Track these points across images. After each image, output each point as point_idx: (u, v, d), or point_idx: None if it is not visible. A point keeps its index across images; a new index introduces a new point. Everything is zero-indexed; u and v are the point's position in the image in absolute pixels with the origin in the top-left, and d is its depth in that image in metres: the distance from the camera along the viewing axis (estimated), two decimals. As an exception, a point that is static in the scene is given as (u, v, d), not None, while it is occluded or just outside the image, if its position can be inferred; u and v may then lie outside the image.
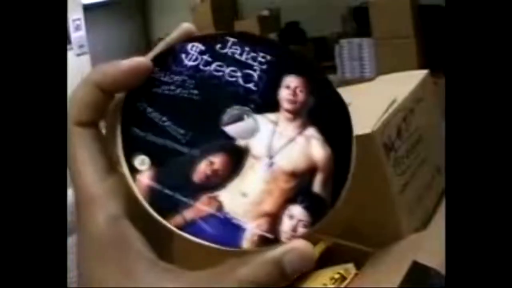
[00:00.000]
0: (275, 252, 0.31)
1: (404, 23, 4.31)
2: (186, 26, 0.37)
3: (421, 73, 1.21)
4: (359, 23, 4.76)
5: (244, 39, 0.38)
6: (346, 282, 0.88)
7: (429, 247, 0.94)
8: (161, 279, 0.31)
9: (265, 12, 6.36)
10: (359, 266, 0.90)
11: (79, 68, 5.48)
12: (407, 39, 4.32)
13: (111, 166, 0.34)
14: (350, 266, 0.90)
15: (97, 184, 0.33)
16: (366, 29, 4.53)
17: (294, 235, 0.33)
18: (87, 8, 7.08)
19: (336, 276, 0.88)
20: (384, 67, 3.78)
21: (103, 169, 0.34)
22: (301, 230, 0.33)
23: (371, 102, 1.05)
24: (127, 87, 0.35)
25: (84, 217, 0.33)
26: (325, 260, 0.92)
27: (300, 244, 0.32)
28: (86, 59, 6.79)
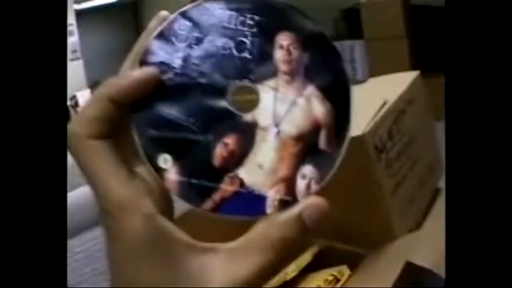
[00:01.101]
0: (294, 210, 0.34)
1: (396, 24, 4.32)
2: (164, 14, 0.37)
3: (412, 74, 1.21)
4: (351, 25, 4.77)
5: (229, 1, 0.37)
6: (340, 283, 0.88)
7: (423, 247, 0.95)
8: (203, 260, 0.34)
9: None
10: (352, 267, 0.90)
11: (72, 73, 5.47)
12: (399, 40, 4.33)
13: (131, 170, 0.35)
14: (344, 268, 0.90)
15: (124, 190, 0.34)
16: (358, 31, 4.53)
17: (308, 193, 0.35)
18: (79, 14, 7.07)
19: (330, 278, 0.88)
20: (376, 69, 3.78)
21: (125, 174, 0.34)
22: (314, 187, 0.35)
23: (362, 104, 1.05)
24: (140, 98, 0.35)
25: (117, 223, 0.34)
26: (318, 263, 0.92)
27: (314, 199, 0.35)
28: (79, 64, 6.77)
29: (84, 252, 1.58)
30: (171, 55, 0.36)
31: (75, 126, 0.34)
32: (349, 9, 4.88)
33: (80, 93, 6.25)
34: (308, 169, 0.35)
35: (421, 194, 1.12)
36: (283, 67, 0.36)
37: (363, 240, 0.94)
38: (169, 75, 0.36)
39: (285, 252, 0.34)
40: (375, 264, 0.90)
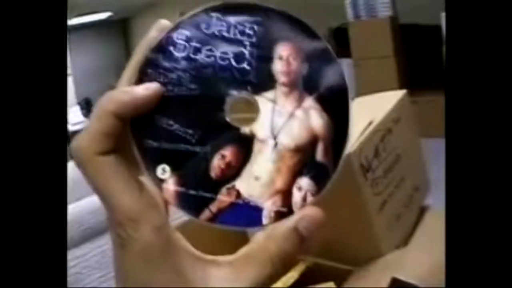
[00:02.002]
0: (290, 222, 0.35)
1: (384, 43, 4.35)
2: (164, 23, 0.38)
3: (399, 93, 1.22)
4: (339, 44, 4.80)
5: (228, 10, 0.37)
6: (327, 300, 0.89)
7: (409, 263, 0.96)
8: (208, 272, 0.35)
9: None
10: (339, 284, 0.91)
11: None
12: (387, 59, 4.36)
13: (139, 181, 0.36)
14: (331, 285, 0.91)
15: (135, 202, 0.34)
16: (346, 49, 4.56)
17: (304, 204, 0.35)
18: (69, 29, 7.07)
19: (317, 295, 0.89)
20: (364, 87, 3.80)
21: (134, 187, 0.35)
22: (309, 199, 0.35)
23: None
24: (144, 113, 0.36)
25: (127, 234, 0.34)
26: (305, 280, 0.93)
27: (309, 210, 0.35)
28: (68, 81, 6.76)
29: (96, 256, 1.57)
30: (170, 66, 0.36)
31: (82, 143, 0.35)
32: (338, 28, 4.91)
33: (69, 109, 6.22)
34: (304, 181, 0.35)
35: (407, 212, 1.13)
36: (282, 78, 0.36)
37: (350, 257, 0.95)
38: (168, 86, 0.36)
39: (283, 264, 0.35)
40: (362, 281, 0.91)
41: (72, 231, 1.50)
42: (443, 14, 3.88)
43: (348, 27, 4.57)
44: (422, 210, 1.27)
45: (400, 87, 1.34)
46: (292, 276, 0.93)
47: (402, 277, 0.88)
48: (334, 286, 0.91)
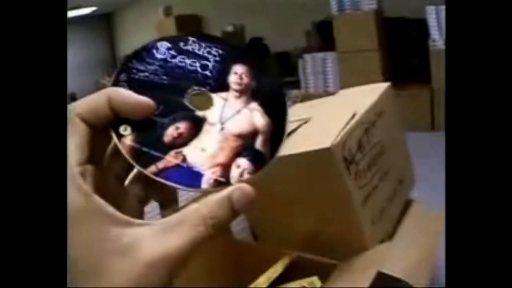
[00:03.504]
0: (224, 192, 0.39)
1: (369, 37, 4.36)
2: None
3: (382, 86, 1.22)
4: (324, 37, 4.79)
5: (202, 38, 0.48)
6: (312, 295, 0.88)
7: (394, 257, 0.95)
8: (136, 233, 0.37)
9: (229, 28, 6.38)
10: (323, 278, 0.91)
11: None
12: (372, 52, 4.36)
13: (89, 161, 0.39)
14: (315, 279, 0.91)
15: (74, 168, 0.38)
16: (330, 43, 4.56)
17: (240, 179, 0.41)
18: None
19: (301, 289, 0.88)
20: (348, 81, 3.80)
21: (81, 161, 0.38)
22: (246, 176, 0.41)
23: (331, 117, 1.07)
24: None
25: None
26: (289, 274, 0.92)
27: (244, 185, 0.40)
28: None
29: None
30: (151, 61, 0.45)
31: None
32: (322, 22, 4.91)
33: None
34: (243, 162, 0.42)
35: (392, 205, 1.13)
36: (234, 86, 0.46)
37: (334, 251, 0.95)
38: (146, 73, 0.44)
39: (214, 228, 0.38)
40: (347, 275, 0.91)
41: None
42: (429, 8, 3.89)
43: (332, 20, 4.57)
44: (407, 204, 1.28)
45: (385, 80, 1.33)
46: (276, 270, 0.92)
47: (387, 271, 0.88)
48: (318, 280, 0.91)
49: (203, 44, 0.48)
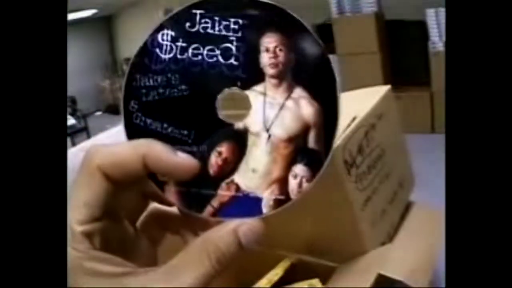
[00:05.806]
0: (229, 226, 0.36)
1: (369, 39, 4.36)
2: None
3: (383, 89, 1.22)
4: (324, 40, 4.79)
5: (211, 5, 0.37)
6: (312, 297, 0.88)
7: (394, 259, 0.95)
8: (143, 280, 0.35)
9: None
10: (324, 281, 0.91)
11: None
12: (372, 55, 4.37)
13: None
14: (316, 281, 0.91)
15: (77, 227, 0.36)
16: (330, 46, 4.55)
17: (300, 191, 0.37)
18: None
19: (302, 292, 0.88)
20: (349, 83, 3.80)
21: (92, 219, 0.36)
22: (305, 185, 0.37)
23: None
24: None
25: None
26: (290, 277, 0.92)
27: (251, 220, 0.37)
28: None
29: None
30: (158, 69, 0.36)
31: None
32: (322, 25, 4.92)
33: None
34: (299, 168, 0.37)
35: (392, 208, 1.12)
36: (270, 70, 0.37)
37: (334, 253, 0.95)
38: (159, 89, 0.36)
39: (221, 263, 0.36)
40: (347, 277, 0.91)
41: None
42: (428, 10, 3.90)
43: (332, 23, 4.57)
44: (407, 206, 1.27)
45: (385, 83, 1.33)
46: (277, 273, 0.92)
47: (387, 273, 0.88)
48: (318, 282, 0.91)
49: (216, 17, 0.37)
